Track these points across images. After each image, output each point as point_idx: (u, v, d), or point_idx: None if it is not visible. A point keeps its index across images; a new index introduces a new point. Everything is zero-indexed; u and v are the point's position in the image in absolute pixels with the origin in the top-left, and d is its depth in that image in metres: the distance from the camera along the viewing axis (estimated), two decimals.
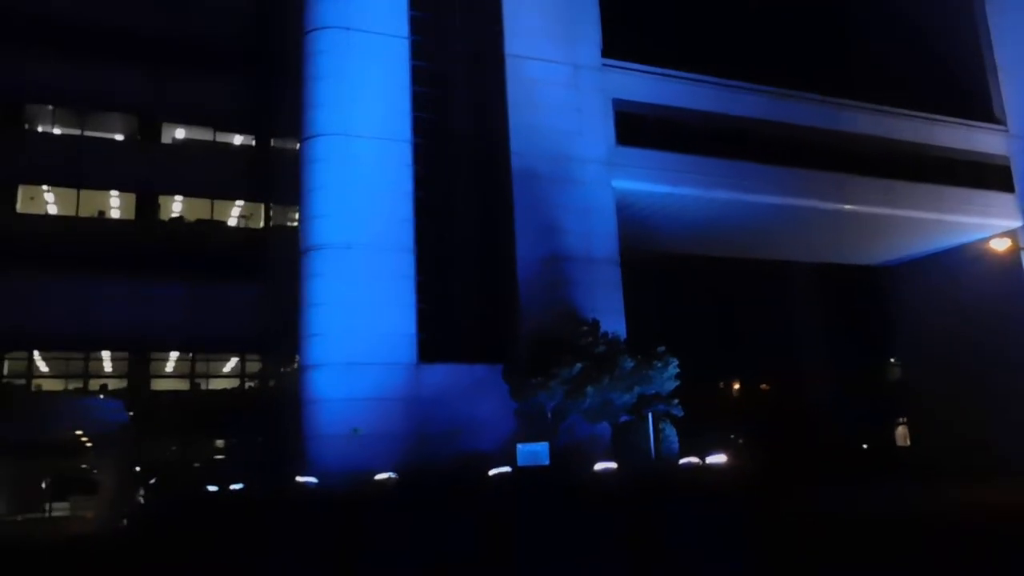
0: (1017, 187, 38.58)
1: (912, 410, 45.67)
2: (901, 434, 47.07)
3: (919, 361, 44.11)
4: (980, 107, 38.97)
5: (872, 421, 46.02)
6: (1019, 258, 37.39)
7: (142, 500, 27.50)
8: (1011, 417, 37.76)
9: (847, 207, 34.32)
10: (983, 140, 38.34)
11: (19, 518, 29.31)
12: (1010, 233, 37.95)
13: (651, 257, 34.43)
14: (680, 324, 37.60)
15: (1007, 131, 38.88)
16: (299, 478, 19.84)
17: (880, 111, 35.37)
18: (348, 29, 24.73)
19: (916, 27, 38.91)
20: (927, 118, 36.66)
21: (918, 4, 39.20)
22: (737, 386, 47.92)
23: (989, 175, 38.30)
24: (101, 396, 28.37)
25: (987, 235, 37.54)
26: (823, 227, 36.70)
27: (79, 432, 25.98)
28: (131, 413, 26.31)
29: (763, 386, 47.50)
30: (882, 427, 46.61)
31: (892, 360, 48.00)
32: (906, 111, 35.99)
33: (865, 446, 45.65)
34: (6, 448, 25.27)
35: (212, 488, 22.62)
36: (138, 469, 27.59)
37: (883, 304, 45.22)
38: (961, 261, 40.17)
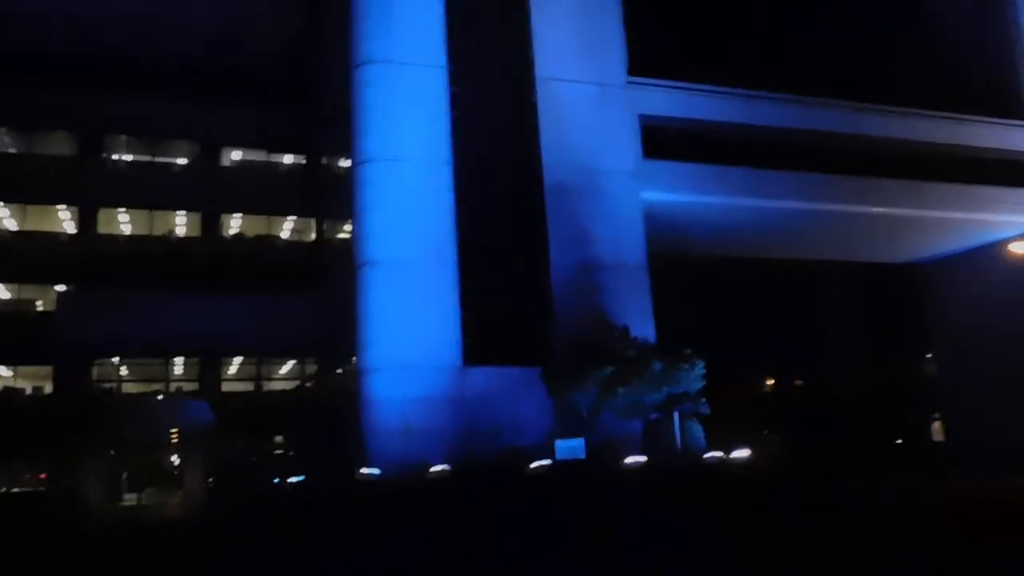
0: None
1: (947, 405, 46.07)
2: (936, 429, 47.55)
3: (954, 356, 44.43)
4: (1011, 103, 39.25)
5: (907, 416, 46.64)
6: None
7: (216, 491, 30.49)
8: None
9: (874, 210, 35.26)
10: (1013, 137, 38.58)
11: (114, 506, 32.56)
12: None
13: (682, 260, 35.99)
14: (714, 323, 39.09)
15: None
16: (363, 470, 22.28)
17: (906, 113, 36.08)
18: (391, 62, 27.04)
19: (941, 25, 39.33)
20: (954, 118, 37.17)
21: (942, 2, 39.67)
22: (771, 382, 49.03)
23: (1020, 172, 38.65)
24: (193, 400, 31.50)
25: (1018, 232, 38.03)
26: (851, 229, 37.64)
27: (173, 430, 29.10)
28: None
29: (797, 382, 48.54)
30: (917, 422, 47.16)
31: (927, 355, 48.41)
32: (932, 112, 36.51)
33: (899, 441, 46.30)
34: (117, 445, 28.56)
35: (278, 481, 25.28)
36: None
37: (916, 301, 45.69)
38: (994, 257, 40.49)
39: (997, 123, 37.98)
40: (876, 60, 36.85)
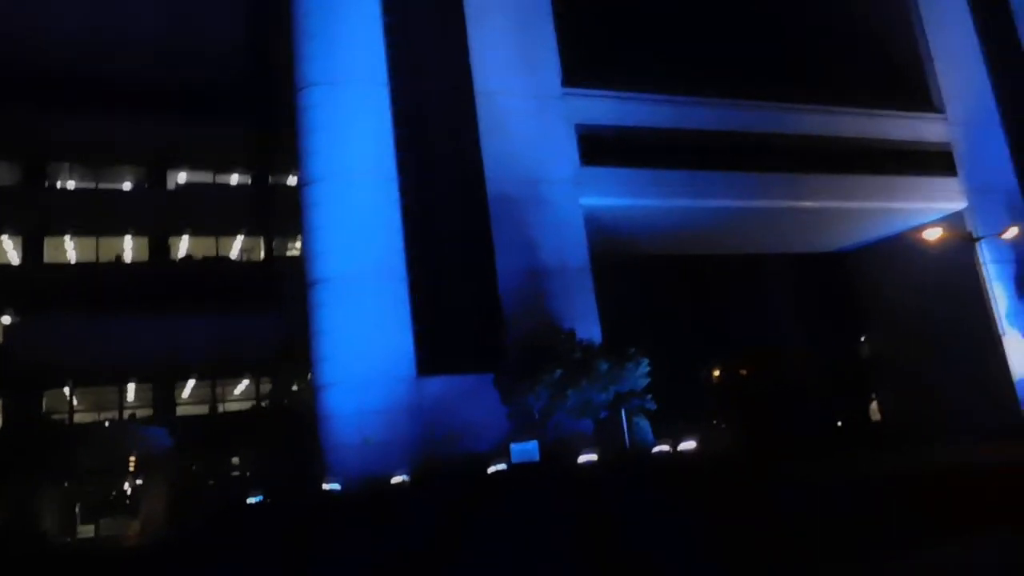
0: (959, 171, 41.56)
1: (883, 385, 48.64)
2: (873, 409, 50.13)
3: (886, 339, 47.00)
4: (919, 97, 41.88)
5: (846, 398, 49.07)
6: (968, 236, 40.21)
7: (174, 516, 30.43)
8: (974, 384, 40.41)
9: (800, 204, 37.31)
10: (924, 129, 41.15)
11: (68, 539, 32.22)
12: (956, 215, 41.25)
13: (625, 260, 37.34)
14: (658, 319, 40.57)
15: (946, 118, 41.77)
16: (325, 485, 22.82)
17: (825, 111, 38.21)
18: (334, 83, 27.63)
19: (851, 24, 41.78)
20: (869, 113, 39.49)
21: (850, 2, 42.14)
22: (717, 373, 51.00)
23: (933, 162, 41.14)
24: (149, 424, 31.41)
25: (937, 217, 40.68)
26: (783, 222, 39.69)
27: (132, 457, 29.08)
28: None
29: (742, 371, 50.56)
30: (856, 403, 49.65)
31: (862, 339, 50.91)
32: (849, 108, 38.75)
33: (840, 423, 48.65)
34: (71, 475, 28.36)
35: (237, 502, 25.51)
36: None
37: (848, 287, 48.15)
38: (916, 241, 42.97)
39: (906, 116, 40.47)
40: (794, 60, 38.83)
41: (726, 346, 47.32)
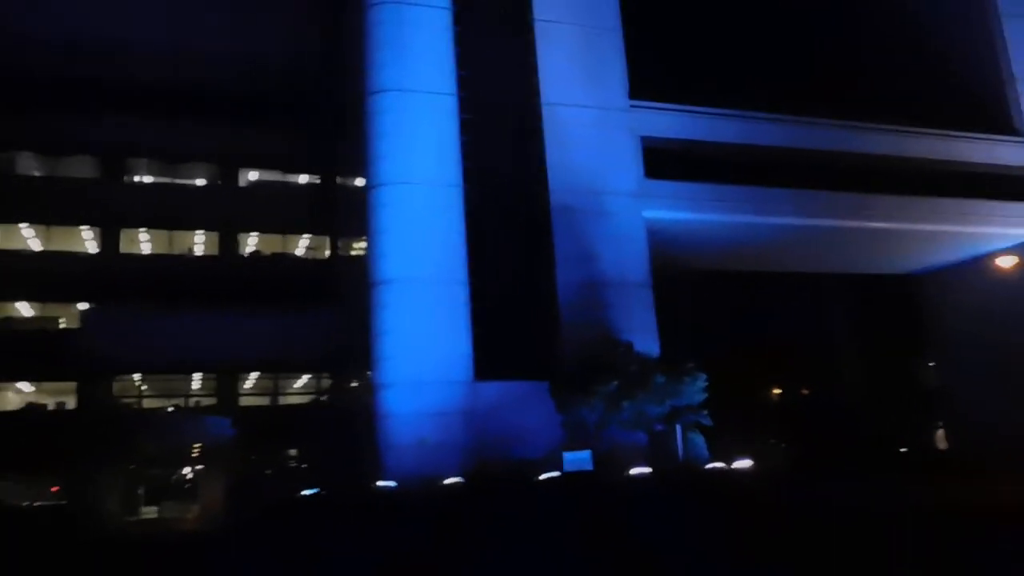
0: None
1: (949, 414, 46.76)
2: (939, 437, 48.26)
3: (954, 366, 45.20)
4: (999, 119, 40.33)
5: (910, 425, 47.38)
6: None
7: (233, 503, 31.44)
8: None
9: (869, 224, 36.31)
10: (1004, 152, 39.61)
11: (131, 519, 33.63)
12: None
13: (687, 274, 37.03)
14: (715, 334, 40.08)
15: None
16: (379, 483, 23.30)
17: (899, 131, 37.17)
18: (404, 91, 28.29)
19: (930, 44, 40.54)
20: (946, 134, 38.24)
21: (930, 22, 40.88)
22: (778, 391, 49.92)
23: (1012, 186, 39.58)
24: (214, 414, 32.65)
25: (1013, 244, 39.07)
26: (848, 243, 38.70)
27: (196, 445, 30.25)
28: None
29: (803, 391, 49.39)
30: (920, 430, 47.91)
31: (930, 364, 49.06)
32: (923, 129, 37.65)
33: (904, 449, 46.96)
34: (137, 459, 29.69)
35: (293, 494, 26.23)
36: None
37: (915, 311, 46.60)
38: (989, 267, 41.35)
39: (985, 139, 38.92)
40: (869, 79, 38.02)
41: (783, 364, 46.43)
